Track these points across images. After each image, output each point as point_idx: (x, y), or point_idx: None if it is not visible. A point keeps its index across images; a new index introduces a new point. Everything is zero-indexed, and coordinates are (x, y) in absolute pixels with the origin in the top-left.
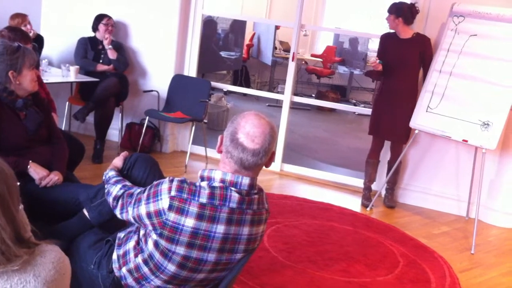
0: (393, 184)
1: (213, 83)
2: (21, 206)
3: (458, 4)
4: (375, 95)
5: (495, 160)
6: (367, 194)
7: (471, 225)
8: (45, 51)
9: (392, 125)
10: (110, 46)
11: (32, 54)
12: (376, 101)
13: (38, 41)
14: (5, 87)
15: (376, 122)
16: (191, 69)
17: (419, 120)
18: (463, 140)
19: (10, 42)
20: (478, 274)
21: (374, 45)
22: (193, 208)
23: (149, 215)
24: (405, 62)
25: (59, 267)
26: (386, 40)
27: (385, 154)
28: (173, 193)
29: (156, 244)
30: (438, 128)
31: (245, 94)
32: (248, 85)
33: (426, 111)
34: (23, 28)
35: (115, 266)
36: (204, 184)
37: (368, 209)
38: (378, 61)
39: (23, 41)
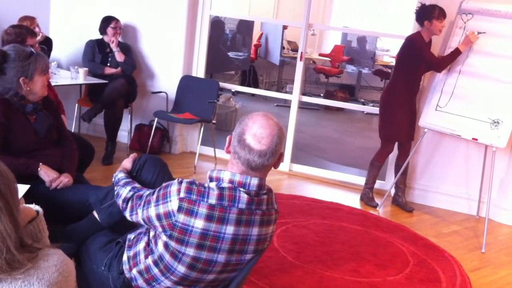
0: (403, 185)
1: (221, 84)
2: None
3: (466, 2)
4: (391, 98)
5: (505, 159)
6: (370, 195)
7: (481, 224)
8: (54, 54)
9: (411, 126)
10: (118, 49)
11: (44, 60)
12: (398, 104)
13: (47, 43)
14: (16, 92)
15: (401, 127)
16: (199, 70)
17: (428, 119)
18: (473, 139)
19: (22, 47)
20: (489, 273)
21: (382, 44)
22: (202, 210)
23: (158, 217)
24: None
25: (62, 269)
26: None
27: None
28: (182, 194)
29: (166, 246)
30: (448, 126)
31: (253, 95)
32: (256, 85)
33: (436, 110)
34: None
35: (125, 267)
36: (212, 185)
37: (378, 208)
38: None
39: (29, 36)
